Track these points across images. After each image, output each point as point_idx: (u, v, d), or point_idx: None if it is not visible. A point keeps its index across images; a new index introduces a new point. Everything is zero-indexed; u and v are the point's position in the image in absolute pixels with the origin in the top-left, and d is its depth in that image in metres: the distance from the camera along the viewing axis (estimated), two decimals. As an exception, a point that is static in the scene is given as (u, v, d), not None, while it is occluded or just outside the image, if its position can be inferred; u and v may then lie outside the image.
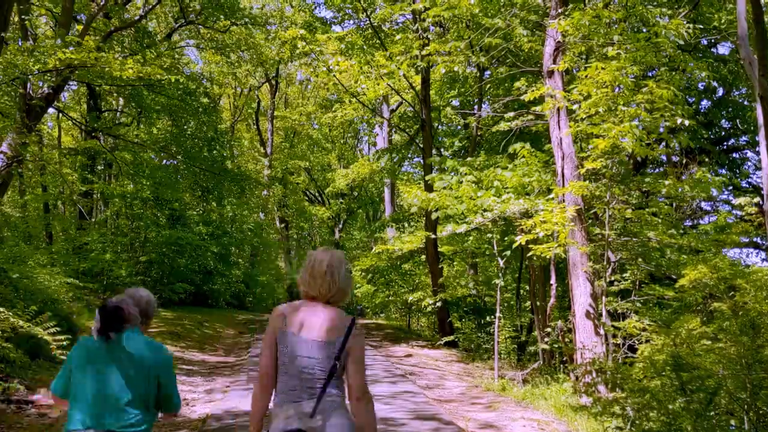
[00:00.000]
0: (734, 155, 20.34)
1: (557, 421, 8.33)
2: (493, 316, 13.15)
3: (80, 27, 16.01)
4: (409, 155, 25.67)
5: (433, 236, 17.05)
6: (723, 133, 19.58)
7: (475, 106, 18.48)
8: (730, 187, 18.57)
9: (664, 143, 13.25)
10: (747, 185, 19.58)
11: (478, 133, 18.01)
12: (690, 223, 17.12)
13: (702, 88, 17.61)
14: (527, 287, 16.07)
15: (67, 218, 22.02)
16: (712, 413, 6.70)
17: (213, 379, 11.26)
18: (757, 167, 19.47)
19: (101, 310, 2.95)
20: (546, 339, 11.97)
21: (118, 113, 24.32)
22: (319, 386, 2.81)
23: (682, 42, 10.07)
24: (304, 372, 2.82)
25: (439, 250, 18.11)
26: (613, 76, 9.21)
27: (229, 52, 25.57)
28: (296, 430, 2.73)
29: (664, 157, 17.46)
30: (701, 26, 13.03)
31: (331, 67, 15.89)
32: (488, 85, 17.91)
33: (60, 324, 8.86)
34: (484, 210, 11.54)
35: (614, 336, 9.84)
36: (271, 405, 2.96)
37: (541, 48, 12.07)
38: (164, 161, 23.19)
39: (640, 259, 11.22)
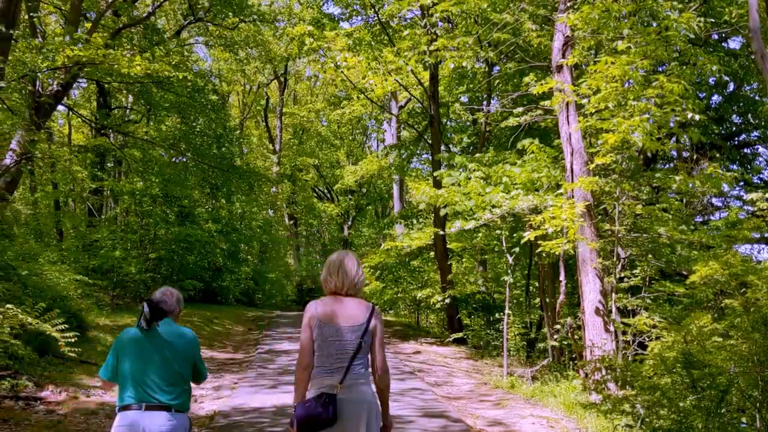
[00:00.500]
0: (745, 150, 20.13)
1: (566, 418, 8.28)
2: (502, 313, 13.10)
3: (89, 24, 16.08)
4: (418, 151, 25.58)
5: (441, 233, 17.01)
6: (734, 128, 19.37)
7: (484, 102, 18.38)
8: (742, 183, 18.39)
9: (674, 138, 13.13)
10: (759, 181, 19.39)
11: (487, 129, 17.91)
12: (701, 219, 16.96)
13: (713, 82, 17.41)
14: (536, 284, 16.01)
15: (77, 215, 22.12)
16: (724, 411, 6.65)
17: (221, 376, 11.27)
18: (768, 162, 19.35)
19: (149, 304, 3.62)
20: (555, 336, 11.90)
21: (127, 110, 24.41)
22: (347, 362, 3.44)
23: (692, 36, 9.92)
24: (334, 351, 3.46)
25: (447, 246, 18.06)
26: (622, 70, 9.10)
27: (238, 49, 25.65)
28: (328, 394, 3.36)
29: (675, 153, 17.33)
30: (712, 20, 12.88)
31: (339, 64, 15.84)
32: (497, 81, 17.81)
33: (69, 321, 8.83)
34: (493, 206, 11.49)
35: (624, 333, 9.75)
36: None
37: (550, 43, 11.98)
38: (173, 158, 23.23)
39: (650, 255, 11.12)
